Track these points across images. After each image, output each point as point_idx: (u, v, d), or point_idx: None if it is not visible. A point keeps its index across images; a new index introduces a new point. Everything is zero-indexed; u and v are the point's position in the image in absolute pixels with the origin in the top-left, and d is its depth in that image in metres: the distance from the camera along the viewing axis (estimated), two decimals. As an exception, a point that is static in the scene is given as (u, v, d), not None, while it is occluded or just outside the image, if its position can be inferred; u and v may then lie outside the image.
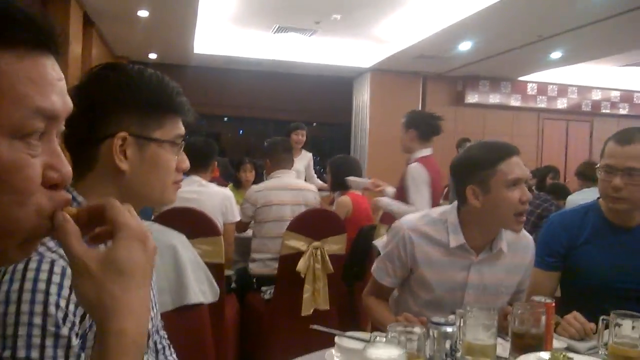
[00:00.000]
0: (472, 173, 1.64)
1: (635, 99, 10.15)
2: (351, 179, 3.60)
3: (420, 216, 1.79)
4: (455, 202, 1.74)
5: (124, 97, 0.97)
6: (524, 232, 1.79)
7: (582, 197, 4.36)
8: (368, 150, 8.82)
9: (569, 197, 4.80)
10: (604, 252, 1.86)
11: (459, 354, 1.35)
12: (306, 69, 8.91)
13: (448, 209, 1.75)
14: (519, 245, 1.77)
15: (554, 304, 1.51)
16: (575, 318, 1.62)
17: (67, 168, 0.58)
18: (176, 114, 1.04)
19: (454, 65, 8.27)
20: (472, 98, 9.24)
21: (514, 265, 1.76)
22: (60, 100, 0.57)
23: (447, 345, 1.32)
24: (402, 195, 3.38)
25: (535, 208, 4.23)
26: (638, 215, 1.85)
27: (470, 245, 1.70)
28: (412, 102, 9.11)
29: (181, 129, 1.05)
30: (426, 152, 3.39)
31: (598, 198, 1.95)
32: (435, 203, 3.38)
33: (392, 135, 8.72)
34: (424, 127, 3.40)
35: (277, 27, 6.96)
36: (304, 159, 5.29)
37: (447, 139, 9.17)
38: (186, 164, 1.08)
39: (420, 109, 9.20)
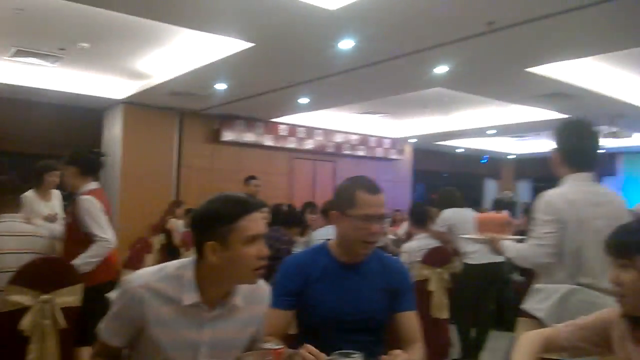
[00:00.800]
0: (211, 228, 1.57)
1: (370, 143, 11.59)
2: None
3: (155, 271, 1.66)
4: (194, 257, 1.65)
5: None
6: (261, 283, 1.77)
7: (324, 232, 4.75)
8: (120, 185, 8.36)
9: (314, 233, 5.19)
10: (334, 288, 2.01)
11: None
12: (51, 97, 8.08)
13: (185, 264, 1.66)
14: (255, 297, 1.74)
15: (281, 350, 1.56)
16: (309, 351, 1.65)
17: None
18: None
19: (211, 104, 8.38)
20: (228, 136, 9.47)
21: (249, 318, 1.73)
22: None
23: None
24: (77, 228, 3.31)
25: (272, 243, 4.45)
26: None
27: (205, 302, 1.62)
28: (168, 138, 8.99)
29: None
30: (93, 185, 3.49)
31: (329, 239, 2.12)
32: None
33: (147, 170, 8.51)
34: (85, 163, 3.51)
35: (15, 50, 6.21)
36: (57, 199, 4.83)
37: (205, 175, 9.32)
38: None
39: (177, 145, 9.11)
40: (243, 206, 1.59)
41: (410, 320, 2.05)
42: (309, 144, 10.61)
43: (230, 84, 7.09)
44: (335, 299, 1.99)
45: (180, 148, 9.19)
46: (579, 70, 6.48)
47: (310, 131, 10.58)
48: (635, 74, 6.82)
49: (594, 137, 2.63)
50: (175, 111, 8.95)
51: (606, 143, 9.98)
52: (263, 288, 1.80)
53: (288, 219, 5.11)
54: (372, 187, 1.98)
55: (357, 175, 2.08)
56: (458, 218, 4.85)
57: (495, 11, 4.35)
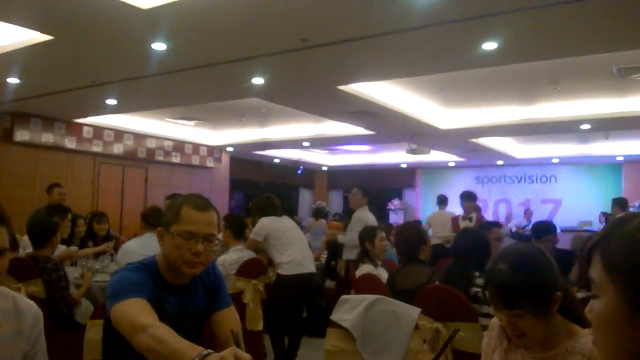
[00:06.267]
0: None
1: (186, 150, 11.19)
2: None
3: None
4: None
5: None
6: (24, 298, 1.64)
7: (141, 242, 4.19)
8: None
9: (126, 245, 4.48)
10: (165, 310, 1.80)
11: None
12: None
13: None
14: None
15: None
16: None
17: None
18: None
19: (1, 100, 7.35)
20: (22, 136, 8.38)
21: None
22: None
23: None
24: None
25: None
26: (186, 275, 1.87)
27: None
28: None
29: None
30: None
31: (155, 256, 1.90)
32: None
33: None
34: None
35: None
36: None
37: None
38: None
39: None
40: None
41: (231, 315, 1.97)
42: (118, 148, 9.86)
43: (24, 78, 6.28)
44: (167, 323, 1.76)
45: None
46: (384, 91, 6.98)
47: (119, 134, 9.82)
48: (428, 98, 7.57)
49: None
50: (-47, 105, 7.69)
51: (408, 158, 10.96)
52: (28, 302, 1.64)
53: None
54: (200, 204, 1.84)
55: (191, 192, 2.00)
56: (276, 226, 4.78)
57: (309, 29, 4.44)
